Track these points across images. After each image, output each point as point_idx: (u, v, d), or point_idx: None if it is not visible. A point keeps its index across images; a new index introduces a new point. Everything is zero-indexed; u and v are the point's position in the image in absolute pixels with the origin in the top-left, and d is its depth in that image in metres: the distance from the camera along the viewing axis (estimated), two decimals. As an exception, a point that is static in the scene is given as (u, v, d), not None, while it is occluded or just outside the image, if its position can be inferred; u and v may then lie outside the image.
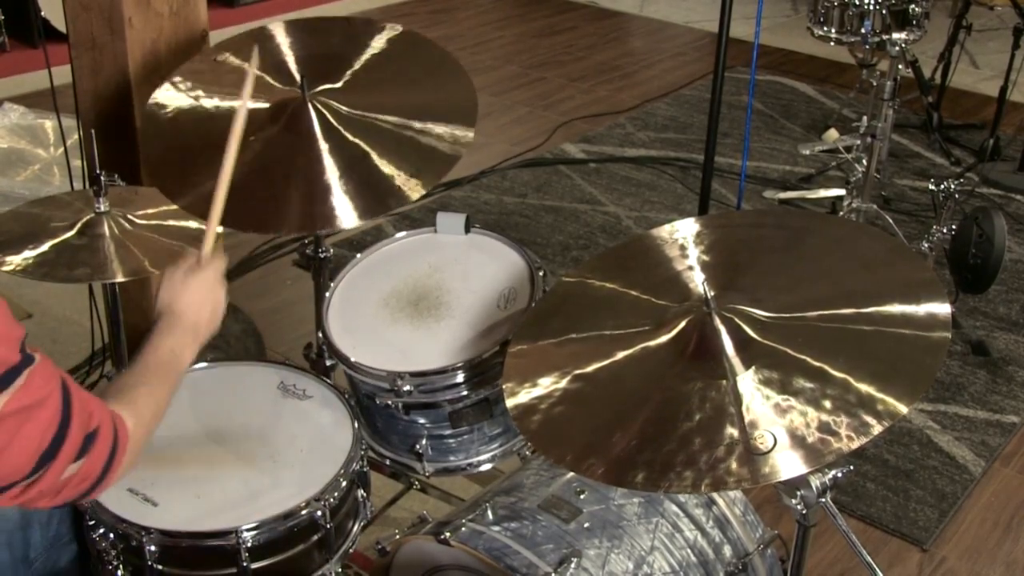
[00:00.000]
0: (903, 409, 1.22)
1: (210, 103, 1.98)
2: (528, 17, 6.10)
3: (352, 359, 1.76)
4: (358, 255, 1.96)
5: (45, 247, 1.85)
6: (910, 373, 1.27)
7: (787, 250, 1.57)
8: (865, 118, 3.26)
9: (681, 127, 4.54)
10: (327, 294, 1.90)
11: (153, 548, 1.51)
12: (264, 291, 3.31)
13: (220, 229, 1.59)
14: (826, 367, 1.29)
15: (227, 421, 1.71)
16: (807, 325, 1.37)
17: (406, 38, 2.10)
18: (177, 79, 2.04)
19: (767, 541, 1.68)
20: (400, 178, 1.85)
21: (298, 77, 1.94)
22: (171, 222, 1.96)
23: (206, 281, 1.54)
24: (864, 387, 1.25)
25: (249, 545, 1.52)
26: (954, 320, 3.07)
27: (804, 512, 1.36)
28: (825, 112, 4.64)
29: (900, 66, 3.13)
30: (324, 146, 1.87)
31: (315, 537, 1.59)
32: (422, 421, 1.79)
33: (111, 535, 1.55)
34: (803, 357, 1.31)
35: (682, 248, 1.60)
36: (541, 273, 1.86)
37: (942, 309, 1.34)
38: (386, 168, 1.86)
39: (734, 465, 1.21)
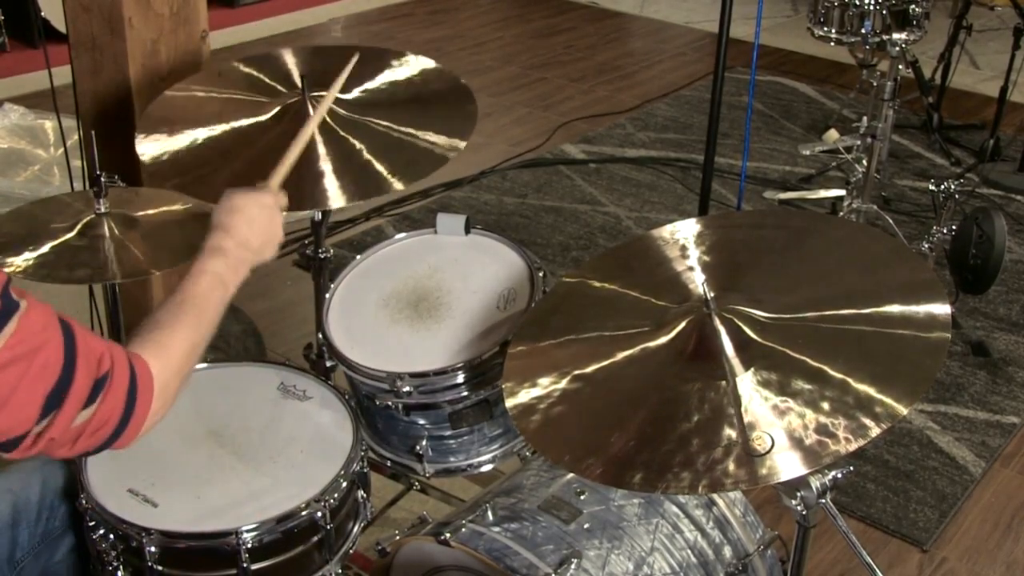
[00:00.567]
0: (902, 411, 1.22)
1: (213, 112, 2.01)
2: (528, 17, 6.10)
3: (352, 360, 1.76)
4: (358, 256, 1.97)
5: (45, 248, 1.85)
6: (910, 374, 1.27)
7: (787, 251, 1.57)
8: (865, 118, 3.26)
9: (681, 127, 4.54)
10: (327, 295, 1.90)
11: (153, 549, 1.51)
12: (264, 291, 3.31)
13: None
14: (825, 368, 1.29)
15: (227, 422, 1.71)
16: (807, 326, 1.37)
17: (434, 72, 2.16)
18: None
19: (767, 542, 1.68)
20: (389, 170, 1.89)
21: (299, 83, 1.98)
22: (171, 222, 1.96)
23: (267, 204, 1.50)
24: (863, 388, 1.25)
25: (249, 546, 1.52)
26: (954, 320, 3.07)
27: (804, 513, 1.36)
28: (825, 112, 4.64)
29: (900, 66, 3.13)
30: (319, 139, 1.91)
31: (315, 538, 1.59)
32: (422, 422, 1.79)
33: (111, 536, 1.55)
34: (802, 358, 1.31)
35: (682, 248, 1.60)
36: (541, 274, 1.86)
37: (942, 310, 1.34)
38: (376, 162, 1.90)
39: (732, 466, 1.21)
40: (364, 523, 1.72)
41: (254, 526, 1.52)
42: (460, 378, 1.73)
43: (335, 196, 1.84)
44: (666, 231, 1.65)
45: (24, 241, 1.87)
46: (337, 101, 1.97)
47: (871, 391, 1.24)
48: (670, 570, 1.55)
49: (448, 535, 1.50)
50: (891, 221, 3.35)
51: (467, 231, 1.98)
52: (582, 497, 1.59)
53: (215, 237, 1.44)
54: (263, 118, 1.97)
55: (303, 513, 1.55)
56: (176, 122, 1.99)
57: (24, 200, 2.80)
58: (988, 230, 2.82)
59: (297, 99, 1.97)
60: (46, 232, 1.89)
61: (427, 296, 1.87)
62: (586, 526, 1.54)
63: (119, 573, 1.57)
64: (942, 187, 2.95)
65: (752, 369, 1.31)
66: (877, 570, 1.45)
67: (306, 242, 2.19)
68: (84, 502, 1.56)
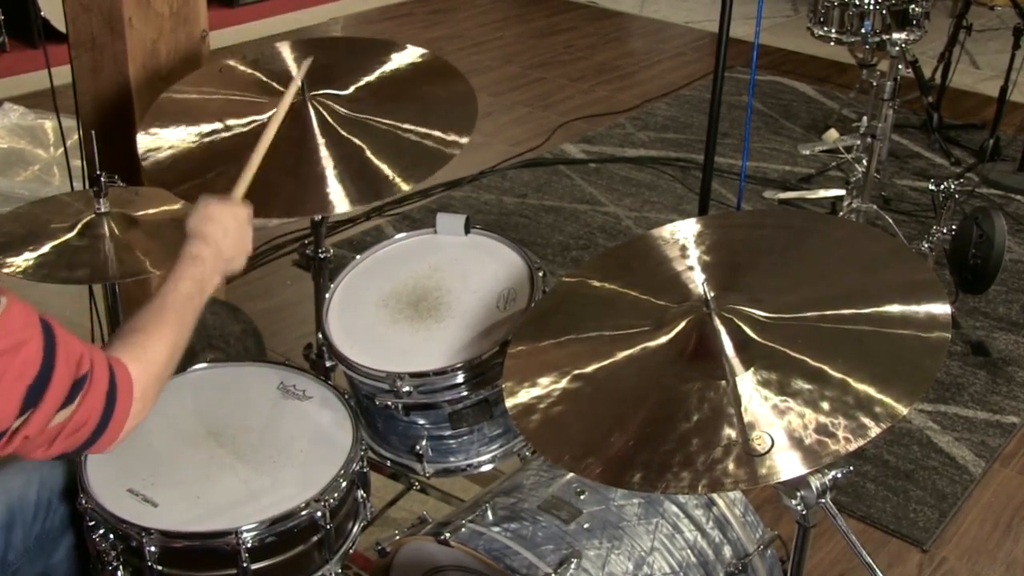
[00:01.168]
0: (902, 410, 1.22)
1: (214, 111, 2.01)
2: (528, 17, 6.10)
3: (352, 360, 1.76)
4: (358, 256, 1.97)
5: (45, 248, 1.85)
6: (909, 374, 1.27)
7: (787, 250, 1.57)
8: (865, 118, 3.26)
9: (681, 127, 4.54)
10: (327, 295, 1.90)
11: (153, 549, 1.51)
12: (264, 291, 3.31)
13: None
14: (825, 368, 1.29)
15: (227, 421, 1.71)
16: (807, 326, 1.37)
17: (429, 62, 2.15)
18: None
19: (767, 542, 1.68)
20: (391, 171, 1.88)
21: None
22: (171, 222, 1.96)
23: (240, 217, 1.55)
24: (863, 388, 1.25)
25: (249, 546, 1.52)
26: (954, 320, 3.07)
27: (804, 513, 1.36)
28: (825, 112, 4.64)
29: (900, 66, 3.13)
30: (321, 140, 1.91)
31: (315, 538, 1.59)
32: (422, 422, 1.79)
33: (111, 536, 1.55)
34: (802, 358, 1.31)
35: (682, 248, 1.60)
36: (541, 273, 1.86)
37: (942, 310, 1.34)
38: (379, 162, 1.89)
39: (731, 466, 1.21)
40: (364, 523, 1.72)
41: (254, 526, 1.52)
42: (460, 378, 1.73)
43: (339, 200, 1.83)
44: (666, 231, 1.65)
45: (24, 241, 1.87)
46: (336, 98, 1.96)
47: (871, 391, 1.24)
48: (670, 570, 1.55)
49: (448, 535, 1.50)
50: (891, 221, 3.35)
51: (467, 231, 1.98)
52: (582, 497, 1.59)
53: (193, 245, 1.48)
54: (261, 117, 1.96)
55: (303, 513, 1.55)
56: (176, 124, 1.99)
57: (24, 200, 2.80)
58: (988, 230, 2.82)
59: (297, 99, 1.96)
60: (46, 232, 1.89)
61: (427, 296, 1.87)
62: (586, 526, 1.54)
63: (119, 573, 1.57)
64: (942, 187, 2.95)
65: (752, 369, 1.31)
66: (877, 570, 1.45)
67: (306, 242, 2.19)
68: (84, 502, 1.56)
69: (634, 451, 1.28)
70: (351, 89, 2.04)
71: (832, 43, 3.40)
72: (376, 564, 1.66)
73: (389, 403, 1.75)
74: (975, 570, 2.37)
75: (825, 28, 3.38)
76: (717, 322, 1.36)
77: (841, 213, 3.32)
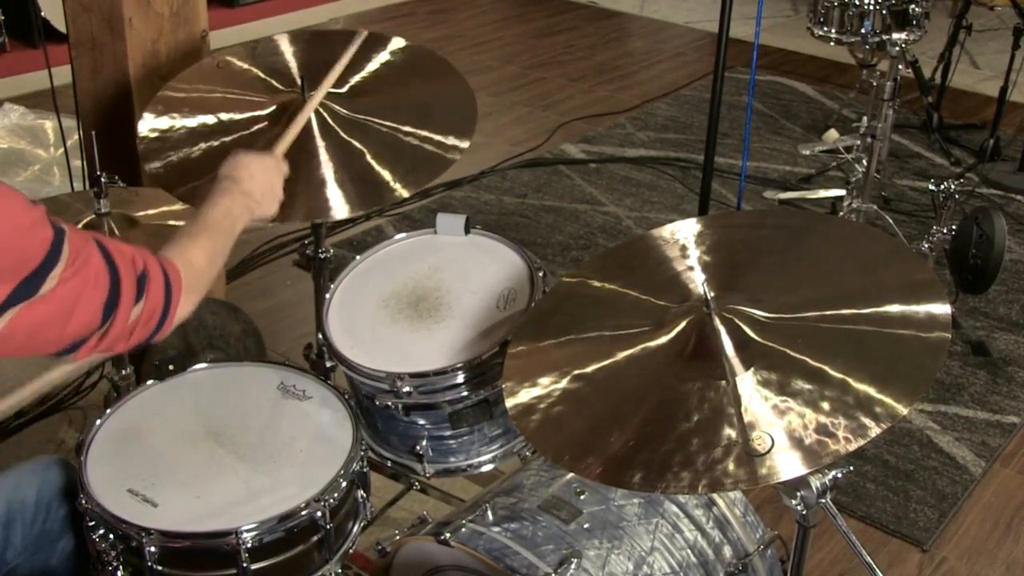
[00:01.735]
0: (902, 411, 1.22)
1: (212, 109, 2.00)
2: (528, 17, 6.10)
3: (352, 360, 1.76)
4: (358, 256, 1.97)
5: (45, 248, 1.84)
6: (909, 374, 1.27)
7: (787, 251, 1.57)
8: (865, 118, 3.26)
9: (681, 127, 4.54)
10: (327, 295, 1.90)
11: (153, 549, 1.51)
12: (264, 291, 3.31)
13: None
14: (825, 368, 1.29)
15: (227, 421, 1.71)
16: (807, 326, 1.37)
17: (415, 52, 2.15)
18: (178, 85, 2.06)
19: (767, 542, 1.68)
20: (391, 177, 1.89)
21: (299, 80, 1.96)
22: (172, 223, 1.96)
23: (269, 163, 1.65)
24: (863, 388, 1.25)
25: (249, 546, 1.51)
26: (954, 320, 3.07)
27: (804, 513, 1.36)
28: (825, 112, 4.64)
29: (900, 66, 3.13)
30: (321, 143, 1.91)
31: (315, 538, 1.59)
32: (422, 422, 1.79)
33: (111, 536, 1.55)
34: (802, 358, 1.31)
35: (682, 248, 1.60)
36: (541, 274, 1.86)
37: (942, 310, 1.34)
38: (379, 168, 1.90)
39: (731, 466, 1.21)
40: (364, 523, 1.72)
41: (254, 526, 1.52)
42: (460, 378, 1.73)
43: (339, 206, 1.85)
44: (666, 231, 1.65)
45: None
46: (335, 97, 1.96)
47: (871, 391, 1.24)
48: (670, 570, 1.55)
49: (448, 535, 1.50)
50: (891, 221, 3.35)
51: (467, 231, 1.98)
52: (582, 497, 1.59)
53: (222, 184, 1.56)
54: (260, 114, 1.96)
55: (303, 513, 1.55)
56: (176, 124, 1.98)
57: (24, 200, 2.79)
58: (988, 230, 2.82)
59: (295, 98, 1.96)
60: (46, 232, 1.88)
61: (427, 296, 1.87)
62: (586, 526, 1.54)
63: (119, 573, 1.57)
64: (942, 187, 2.95)
65: (752, 369, 1.31)
66: (877, 570, 1.45)
67: (306, 242, 2.19)
68: (84, 502, 1.56)
69: (634, 451, 1.28)
70: (350, 84, 2.03)
71: (832, 43, 3.40)
72: (376, 564, 1.66)
73: (389, 403, 1.75)
74: (975, 570, 2.37)
75: (825, 28, 3.38)
76: (717, 322, 1.36)
77: (841, 213, 3.32)
